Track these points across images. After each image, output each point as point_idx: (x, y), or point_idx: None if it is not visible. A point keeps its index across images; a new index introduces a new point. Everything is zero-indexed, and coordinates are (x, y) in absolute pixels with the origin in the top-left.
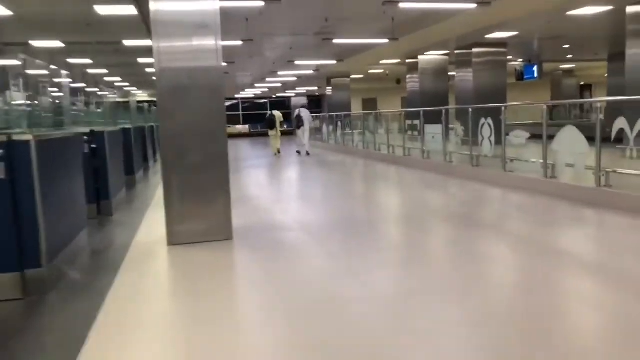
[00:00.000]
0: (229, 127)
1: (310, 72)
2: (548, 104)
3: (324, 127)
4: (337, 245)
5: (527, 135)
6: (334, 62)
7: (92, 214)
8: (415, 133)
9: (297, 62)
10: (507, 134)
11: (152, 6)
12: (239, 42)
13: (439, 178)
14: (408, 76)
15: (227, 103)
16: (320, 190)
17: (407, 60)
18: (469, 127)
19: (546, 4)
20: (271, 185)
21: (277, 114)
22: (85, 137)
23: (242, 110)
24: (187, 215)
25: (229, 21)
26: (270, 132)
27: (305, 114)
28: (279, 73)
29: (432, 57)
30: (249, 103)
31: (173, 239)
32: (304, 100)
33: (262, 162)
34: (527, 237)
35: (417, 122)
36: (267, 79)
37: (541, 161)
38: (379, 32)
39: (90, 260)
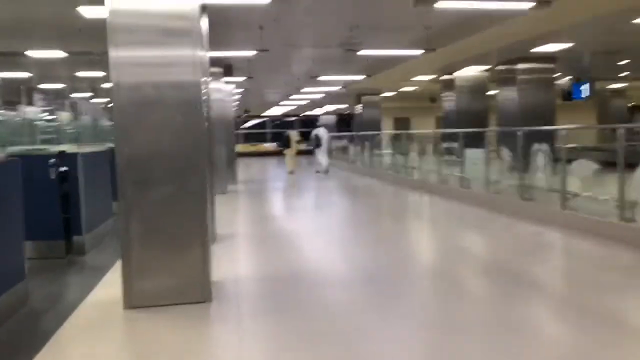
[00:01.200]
0: (255, 145)
1: (338, 88)
2: (624, 127)
3: (351, 148)
4: (351, 319)
5: (595, 166)
6: (362, 77)
7: (59, 253)
8: (453, 157)
9: (321, 78)
10: (565, 162)
11: (109, 4)
12: (252, 52)
13: (481, 214)
14: (443, 94)
15: (255, 121)
16: (338, 226)
17: (442, 77)
18: (518, 153)
19: (613, 4)
20: (279, 217)
21: (293, 133)
22: (52, 160)
23: (270, 128)
24: (150, 268)
25: (242, 30)
26: (286, 151)
27: (323, 133)
28: (304, 90)
29: (470, 73)
30: (278, 121)
31: (131, 300)
32: (332, 119)
33: (279, 184)
34: (611, 316)
35: (454, 144)
36: (293, 96)
37: (613, 198)
38: (411, 43)
39: (8, 335)
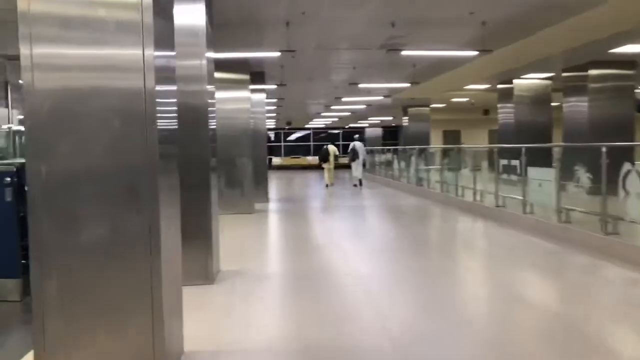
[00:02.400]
0: (297, 157)
1: (381, 98)
2: None
3: (395, 163)
4: None
5: None
6: (407, 85)
7: (13, 296)
8: (513, 177)
9: (362, 86)
10: None
11: None
12: (276, 54)
13: (549, 248)
14: (500, 105)
15: (299, 134)
16: (373, 262)
17: (499, 86)
18: (599, 173)
19: None
20: (304, 248)
21: (332, 147)
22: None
23: (313, 141)
24: (74, 345)
25: (265, 29)
26: (324, 165)
27: (359, 146)
28: (345, 99)
29: (530, 81)
30: (324, 133)
31: None
32: (378, 132)
33: (315, 202)
34: None
35: (514, 162)
36: (334, 107)
37: None
38: (463, 43)
39: None
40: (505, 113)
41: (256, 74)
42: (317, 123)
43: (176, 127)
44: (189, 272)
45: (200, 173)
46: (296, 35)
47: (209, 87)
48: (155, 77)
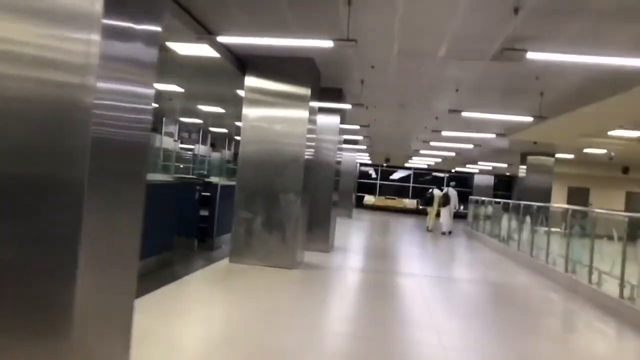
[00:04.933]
0: (393, 199)
1: (493, 136)
2: None
3: (505, 220)
4: None
5: None
6: (529, 119)
7: None
8: None
9: (466, 114)
10: None
11: None
12: (329, 43)
13: None
14: None
15: (401, 173)
16: None
17: None
18: None
19: None
20: None
21: (437, 192)
22: None
23: (413, 183)
24: None
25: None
26: (429, 208)
27: (452, 193)
28: (444, 134)
29: None
30: (429, 176)
31: None
32: (489, 180)
33: (393, 260)
34: None
35: None
36: (434, 143)
37: None
38: (627, 47)
39: None
40: None
41: (328, 90)
42: (417, 162)
43: None
44: None
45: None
46: (360, 24)
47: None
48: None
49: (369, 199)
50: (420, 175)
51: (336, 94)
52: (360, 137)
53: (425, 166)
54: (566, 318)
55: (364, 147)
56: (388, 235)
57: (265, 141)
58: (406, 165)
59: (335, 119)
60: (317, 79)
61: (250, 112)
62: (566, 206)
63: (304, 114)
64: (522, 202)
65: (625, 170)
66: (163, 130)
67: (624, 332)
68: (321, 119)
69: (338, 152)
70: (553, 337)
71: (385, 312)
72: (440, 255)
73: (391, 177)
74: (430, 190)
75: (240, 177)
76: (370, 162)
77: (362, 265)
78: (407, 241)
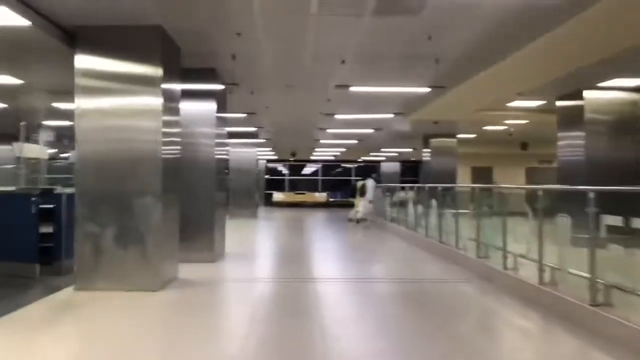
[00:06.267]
0: (302, 193)
1: (391, 116)
2: None
3: (410, 207)
4: None
5: None
6: (427, 89)
7: None
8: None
9: (355, 89)
10: None
11: None
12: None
13: None
14: (561, 132)
15: (312, 167)
16: None
17: (559, 103)
18: None
19: None
20: None
21: (359, 184)
22: None
23: (322, 175)
24: None
25: None
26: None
27: (371, 184)
28: (338, 117)
29: (611, 95)
30: (340, 169)
31: None
32: (395, 167)
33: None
34: None
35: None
36: (332, 130)
37: None
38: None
39: None
40: (571, 141)
41: (197, 72)
42: (323, 154)
43: None
44: None
45: None
46: None
47: None
48: None
49: (277, 195)
50: (330, 167)
51: (208, 75)
52: (253, 129)
53: (332, 158)
54: (483, 317)
55: (263, 140)
56: (294, 233)
57: (107, 139)
58: (312, 157)
59: (208, 106)
60: (174, 55)
61: (84, 102)
62: (472, 185)
63: (155, 101)
64: (426, 185)
65: (524, 146)
66: (21, 137)
67: (551, 328)
68: (191, 107)
69: (220, 146)
70: (469, 347)
71: (278, 339)
72: (348, 251)
73: (302, 172)
74: (354, 183)
75: (80, 182)
76: (276, 157)
77: (254, 274)
78: (313, 238)
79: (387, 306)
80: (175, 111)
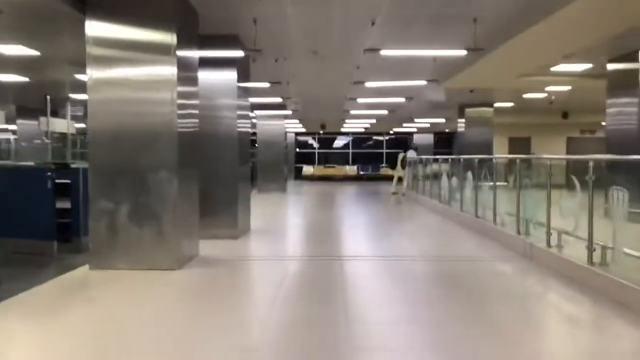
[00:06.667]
0: (332, 167)
1: (424, 83)
2: None
3: (444, 179)
4: None
5: None
6: (463, 52)
7: None
8: None
9: (386, 52)
10: None
11: None
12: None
13: None
14: (611, 98)
15: (343, 140)
16: None
17: (611, 66)
18: None
19: None
20: None
21: (401, 156)
22: None
23: (352, 148)
24: None
25: None
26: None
27: (411, 155)
28: (367, 84)
29: None
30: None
31: None
32: (428, 138)
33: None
34: None
35: None
36: (362, 100)
37: None
38: None
39: None
40: (623, 108)
41: (219, 38)
42: (353, 126)
43: None
44: None
45: None
46: None
47: None
48: None
49: (307, 169)
50: (361, 140)
51: (229, 43)
52: (279, 99)
53: (363, 130)
54: (525, 302)
55: (290, 112)
56: (323, 208)
57: (120, 111)
58: (342, 130)
59: (229, 76)
60: (191, 21)
61: (96, 72)
62: (512, 156)
63: (169, 70)
64: (462, 157)
65: (565, 115)
66: (49, 111)
67: (605, 315)
68: (211, 77)
69: (243, 118)
70: (508, 338)
71: (300, 325)
72: (378, 227)
73: (333, 145)
74: (396, 154)
75: (93, 157)
76: (304, 130)
77: (279, 251)
78: (343, 213)
79: (419, 288)
80: (193, 81)
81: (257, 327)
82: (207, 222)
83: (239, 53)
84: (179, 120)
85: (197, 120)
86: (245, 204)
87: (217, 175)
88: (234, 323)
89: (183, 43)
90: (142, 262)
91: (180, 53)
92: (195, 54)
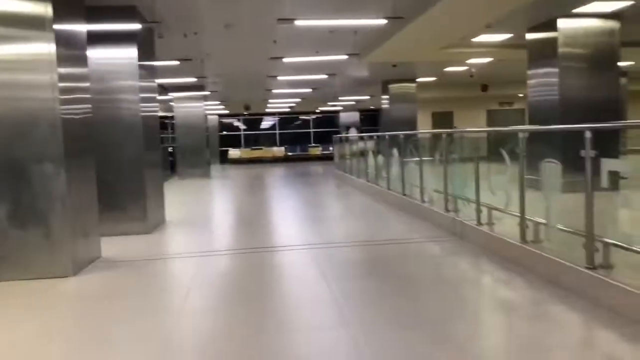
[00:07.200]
0: (260, 149)
1: (344, 57)
2: None
3: (370, 157)
4: None
5: None
6: (382, 21)
7: None
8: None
9: (301, 23)
10: None
11: None
12: None
13: None
14: (532, 69)
15: (268, 122)
16: None
17: (530, 35)
18: None
19: None
20: None
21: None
22: None
23: (279, 129)
24: None
25: None
26: None
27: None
28: (285, 60)
29: (588, 23)
30: (300, 121)
31: None
32: (355, 116)
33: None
34: None
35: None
36: (282, 77)
37: None
38: None
39: None
40: (543, 79)
41: (113, 10)
42: (278, 106)
43: None
44: None
45: None
46: None
47: None
48: None
49: (234, 152)
50: (287, 120)
51: (127, 14)
52: (194, 79)
53: (288, 109)
54: (458, 288)
55: (208, 93)
56: (248, 192)
57: None
58: (267, 110)
59: (128, 53)
60: None
61: None
62: (439, 130)
63: (45, 48)
64: (387, 133)
65: (485, 88)
66: None
67: (541, 299)
68: (106, 55)
69: (148, 101)
70: (442, 335)
71: (219, 336)
72: (305, 211)
73: (261, 126)
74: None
75: None
76: (227, 112)
77: (197, 246)
78: (270, 196)
79: (350, 280)
80: (80, 61)
81: (163, 342)
82: (114, 216)
83: (136, 26)
84: (63, 107)
85: (89, 105)
86: (156, 193)
87: (120, 165)
88: (135, 338)
89: (63, 15)
90: (29, 270)
91: (59, 27)
92: (81, 27)
